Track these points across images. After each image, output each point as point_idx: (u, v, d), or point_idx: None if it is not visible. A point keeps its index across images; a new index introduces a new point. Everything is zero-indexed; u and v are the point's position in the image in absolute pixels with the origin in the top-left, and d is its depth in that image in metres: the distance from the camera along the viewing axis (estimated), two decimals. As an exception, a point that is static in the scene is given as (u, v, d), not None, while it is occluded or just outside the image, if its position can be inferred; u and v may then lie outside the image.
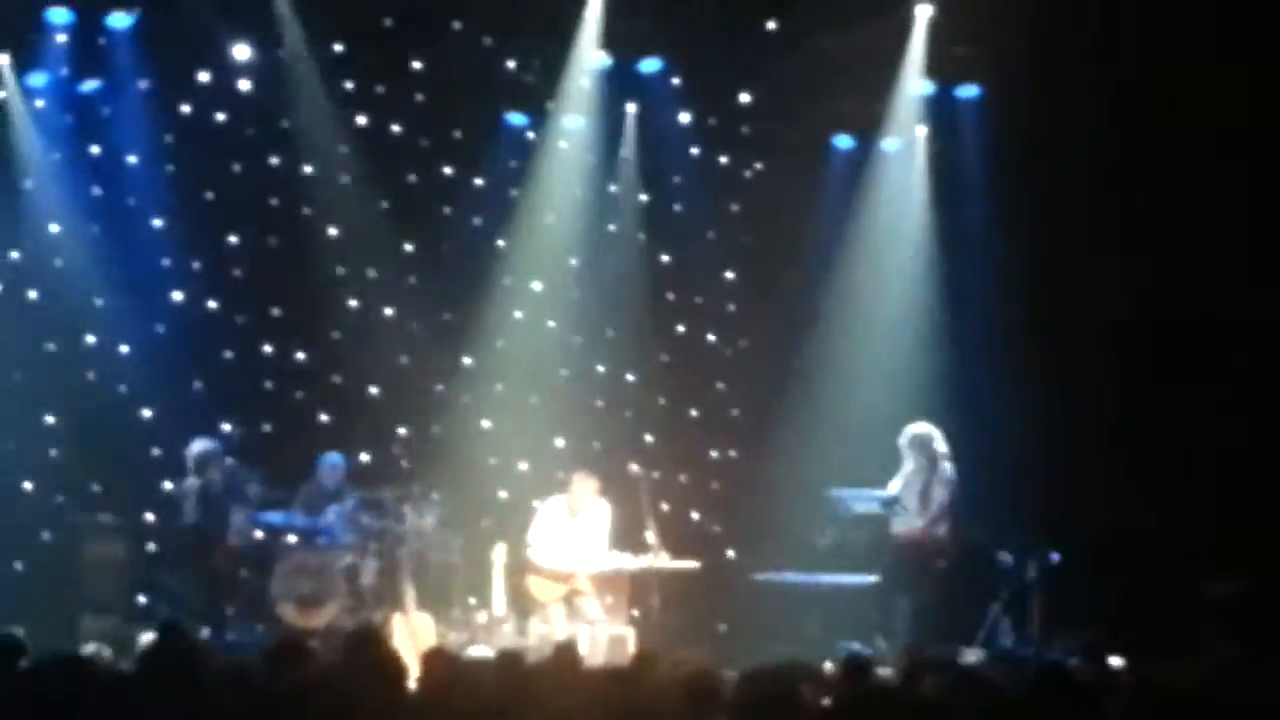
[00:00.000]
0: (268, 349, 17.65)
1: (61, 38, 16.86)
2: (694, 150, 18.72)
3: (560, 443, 18.13)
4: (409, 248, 18.06)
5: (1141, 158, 16.94)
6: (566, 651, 10.32)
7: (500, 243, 18.36)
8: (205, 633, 14.79)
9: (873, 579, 16.11)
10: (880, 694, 9.52)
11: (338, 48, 17.50)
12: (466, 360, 18.21)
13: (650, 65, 18.27)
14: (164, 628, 12.00)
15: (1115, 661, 13.42)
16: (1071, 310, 17.26)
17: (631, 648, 14.93)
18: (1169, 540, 16.50)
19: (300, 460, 16.57)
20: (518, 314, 18.44)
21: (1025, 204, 17.50)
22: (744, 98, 18.58)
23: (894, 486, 16.00)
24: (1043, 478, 16.63)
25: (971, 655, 14.83)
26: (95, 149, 17.20)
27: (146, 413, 17.05)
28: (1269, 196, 16.59)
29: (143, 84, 17.07)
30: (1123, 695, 9.51)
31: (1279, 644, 13.53)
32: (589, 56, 18.00)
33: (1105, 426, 16.77)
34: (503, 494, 17.92)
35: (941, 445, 15.97)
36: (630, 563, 15.80)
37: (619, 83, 18.32)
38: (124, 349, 17.11)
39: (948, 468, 15.94)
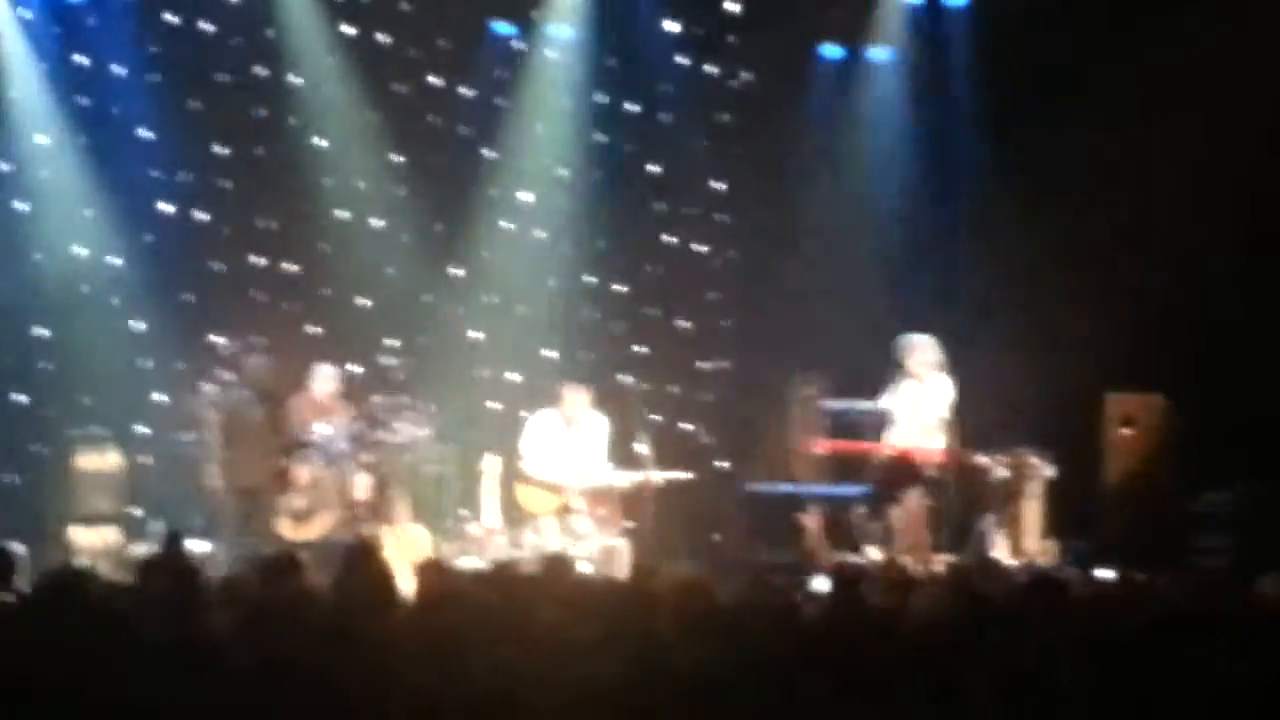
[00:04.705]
0: (256, 260, 17.61)
1: (49, -51, 16.79)
2: (681, 60, 18.66)
3: (550, 354, 18.15)
4: (397, 159, 18.00)
5: (1130, 64, 16.91)
6: (558, 563, 10.34)
7: (488, 153, 18.31)
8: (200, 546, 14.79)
9: (865, 489, 16.09)
10: (869, 606, 9.60)
11: (324, -44, 17.42)
12: (455, 271, 18.19)
13: (637, -28, 18.23)
14: (168, 538, 12.00)
15: (1105, 573, 13.49)
16: (1062, 221, 17.23)
17: (625, 559, 14.99)
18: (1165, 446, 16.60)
19: (291, 372, 16.56)
20: (506, 224, 18.42)
21: (1012, 112, 17.50)
22: (731, 6, 18.52)
23: (888, 398, 16.00)
24: (1036, 389, 16.61)
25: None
26: (82, 59, 17.10)
27: (139, 325, 17.03)
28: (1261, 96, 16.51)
29: (129, -6, 16.99)
30: (1113, 605, 9.59)
31: (1268, 557, 13.57)
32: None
33: (1099, 334, 16.69)
34: (493, 405, 17.95)
35: (936, 356, 15.93)
36: (623, 478, 15.81)
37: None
38: (114, 260, 17.06)
39: (943, 379, 15.92)
